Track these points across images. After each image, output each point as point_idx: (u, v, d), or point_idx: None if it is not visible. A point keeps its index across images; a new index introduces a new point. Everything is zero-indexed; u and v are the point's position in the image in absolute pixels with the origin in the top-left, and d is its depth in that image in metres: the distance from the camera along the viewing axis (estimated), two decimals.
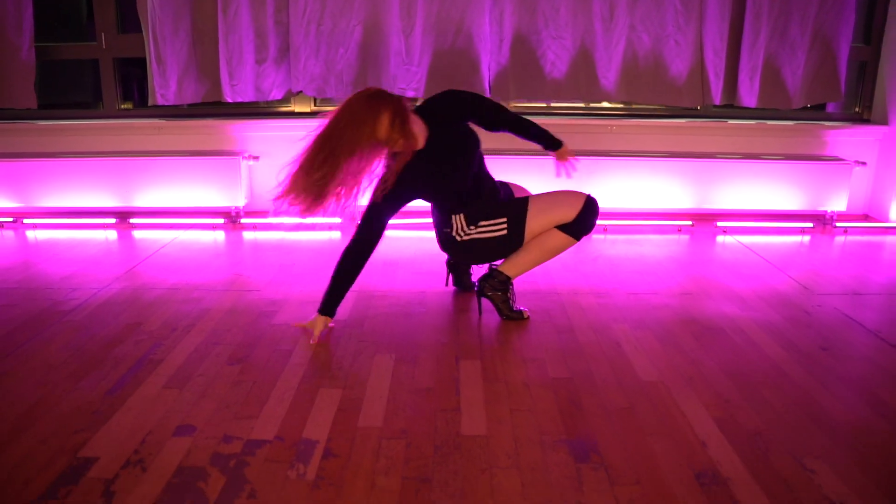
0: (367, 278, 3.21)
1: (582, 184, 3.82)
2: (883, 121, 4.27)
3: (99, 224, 4.21)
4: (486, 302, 2.83)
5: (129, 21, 4.20)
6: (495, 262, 2.76)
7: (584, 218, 2.58)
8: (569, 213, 2.57)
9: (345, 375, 2.23)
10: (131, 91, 4.58)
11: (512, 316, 2.70)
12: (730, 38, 3.98)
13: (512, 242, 2.61)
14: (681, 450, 1.82)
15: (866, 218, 4.41)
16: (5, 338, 2.53)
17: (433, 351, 2.43)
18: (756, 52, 3.97)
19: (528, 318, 2.73)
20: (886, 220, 4.25)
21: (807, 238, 4.04)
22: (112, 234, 4.01)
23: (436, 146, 2.47)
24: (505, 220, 2.58)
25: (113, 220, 4.23)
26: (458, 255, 2.71)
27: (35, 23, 4.09)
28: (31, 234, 4.04)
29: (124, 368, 2.27)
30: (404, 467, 1.73)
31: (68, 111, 4.45)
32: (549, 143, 2.78)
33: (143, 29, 3.99)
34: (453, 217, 2.60)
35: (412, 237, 3.92)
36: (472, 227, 2.59)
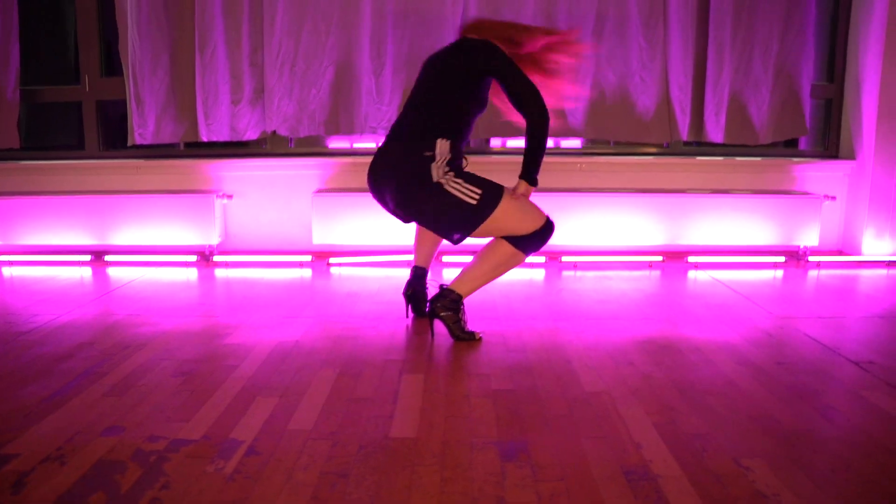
0: (327, 307, 3.21)
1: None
2: (850, 156, 4.31)
3: (74, 261, 4.26)
4: (439, 324, 2.82)
5: (115, 64, 4.34)
6: (445, 283, 2.75)
7: (537, 235, 2.60)
8: (528, 226, 2.58)
9: (285, 386, 2.22)
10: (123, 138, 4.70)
11: (463, 337, 2.69)
12: (694, 74, 4.07)
13: (474, 217, 2.55)
14: (614, 451, 1.79)
15: (840, 253, 4.41)
16: None
17: (379, 367, 2.41)
18: (720, 89, 4.05)
19: (481, 339, 2.72)
20: (859, 254, 4.24)
21: (780, 273, 4.03)
22: (87, 272, 4.04)
23: None
24: (481, 192, 2.55)
25: (88, 258, 4.28)
26: (420, 200, 2.59)
27: (22, 66, 4.24)
28: (6, 270, 4.07)
29: (69, 378, 2.27)
30: (325, 464, 1.70)
31: (51, 152, 4.55)
32: (526, 173, 2.64)
33: (123, 69, 4.12)
34: (439, 141, 2.56)
35: (377, 275, 3.93)
36: (449, 175, 2.56)
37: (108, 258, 4.27)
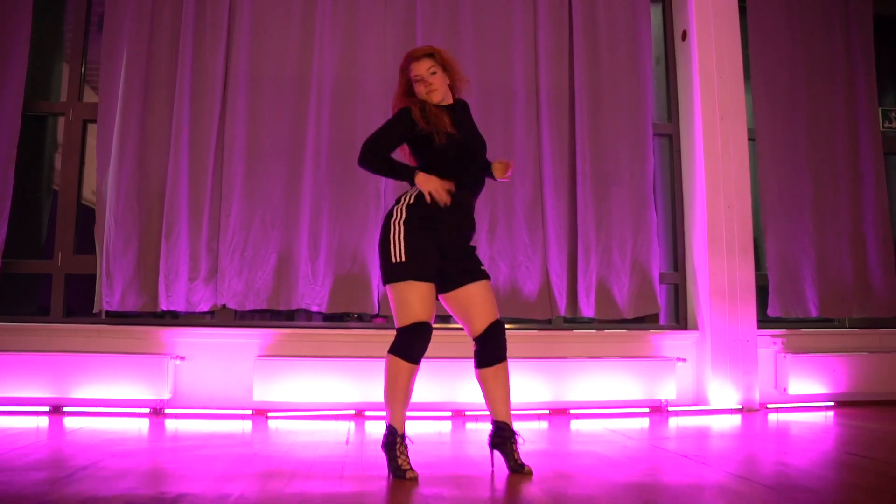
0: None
1: (452, 384, 4.73)
2: (695, 326, 5.41)
3: (32, 412, 4.76)
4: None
5: (85, 244, 5.11)
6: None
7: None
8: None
9: None
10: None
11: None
12: (568, 264, 5.15)
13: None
14: None
15: (695, 403, 5.37)
16: None
17: None
18: (589, 276, 5.11)
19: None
20: (708, 404, 5.23)
21: (646, 422, 4.90)
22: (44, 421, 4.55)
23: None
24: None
25: (47, 409, 4.80)
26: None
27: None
28: None
29: None
30: None
31: (20, 316, 5.16)
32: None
33: (97, 247, 4.87)
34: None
35: (310, 427, 4.60)
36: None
37: (66, 409, 4.80)
